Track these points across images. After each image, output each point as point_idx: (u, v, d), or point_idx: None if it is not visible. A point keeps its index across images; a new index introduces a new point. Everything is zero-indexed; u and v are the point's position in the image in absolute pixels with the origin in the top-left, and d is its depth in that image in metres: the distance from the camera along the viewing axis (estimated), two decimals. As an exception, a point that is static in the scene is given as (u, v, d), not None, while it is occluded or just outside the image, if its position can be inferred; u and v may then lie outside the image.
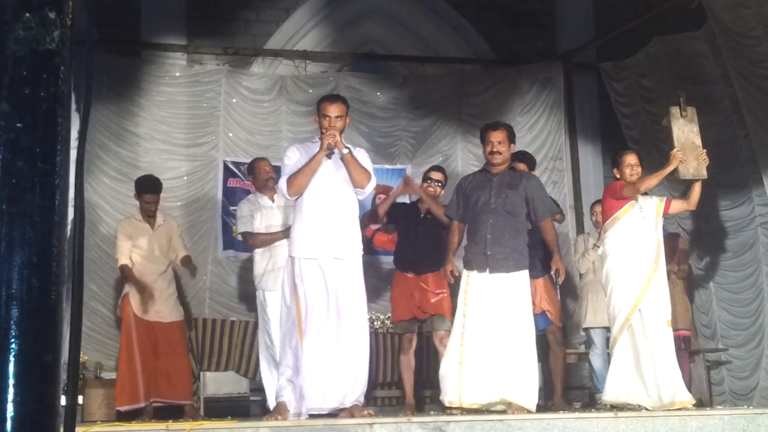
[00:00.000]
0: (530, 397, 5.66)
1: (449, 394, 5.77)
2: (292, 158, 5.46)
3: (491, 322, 5.74)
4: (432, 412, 5.77)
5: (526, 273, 5.90)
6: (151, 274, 7.08)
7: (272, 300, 6.39)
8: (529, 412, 5.47)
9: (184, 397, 7.02)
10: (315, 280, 5.25)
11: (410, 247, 6.91)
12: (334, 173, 5.38)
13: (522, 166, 6.70)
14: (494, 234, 5.87)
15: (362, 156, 5.51)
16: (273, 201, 6.78)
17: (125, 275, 7.07)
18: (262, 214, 6.74)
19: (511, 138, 6.16)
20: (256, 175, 6.94)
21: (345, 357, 5.20)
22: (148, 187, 7.25)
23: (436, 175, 7.09)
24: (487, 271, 5.83)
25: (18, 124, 1.17)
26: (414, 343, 6.85)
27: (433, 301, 6.74)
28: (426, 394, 7.79)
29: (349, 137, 9.60)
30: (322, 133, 5.40)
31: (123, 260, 7.05)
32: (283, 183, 5.36)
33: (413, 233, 6.95)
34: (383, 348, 8.48)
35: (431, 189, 6.99)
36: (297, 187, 5.31)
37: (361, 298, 5.35)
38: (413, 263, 6.85)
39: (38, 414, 1.26)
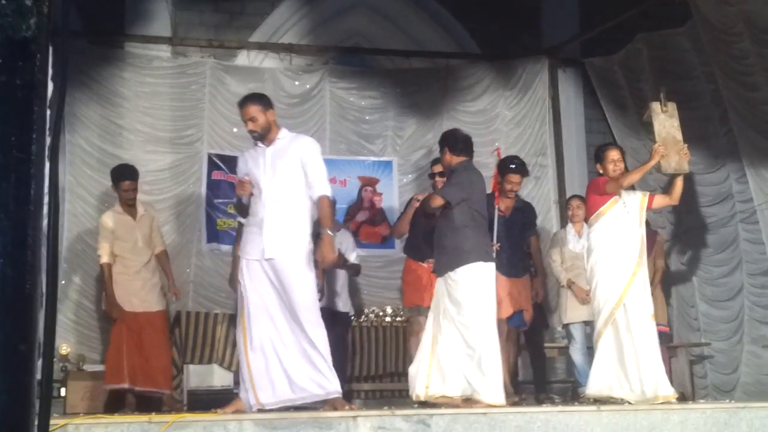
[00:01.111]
0: (493, 392, 5.70)
1: (417, 388, 5.89)
2: (238, 172, 5.55)
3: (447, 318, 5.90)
4: (416, 405, 5.76)
5: (471, 267, 5.87)
6: (135, 265, 7.08)
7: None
8: (494, 406, 5.46)
9: (164, 387, 7.03)
10: (259, 279, 5.21)
11: (427, 240, 7.00)
12: (273, 172, 5.30)
13: (516, 178, 7.12)
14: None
15: (307, 148, 5.40)
16: None
17: (105, 275, 7.08)
18: None
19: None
20: None
21: (296, 353, 5.13)
22: (126, 174, 7.20)
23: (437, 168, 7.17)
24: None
25: (-7, 112, 1.15)
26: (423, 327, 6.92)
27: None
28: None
29: (335, 129, 9.68)
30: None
31: (104, 258, 7.04)
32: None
33: (431, 228, 7.03)
34: (389, 339, 8.56)
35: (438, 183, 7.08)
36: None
37: (309, 294, 5.22)
38: (428, 256, 6.90)
39: (13, 404, 1.25)
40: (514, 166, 7.15)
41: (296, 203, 5.29)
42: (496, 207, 6.91)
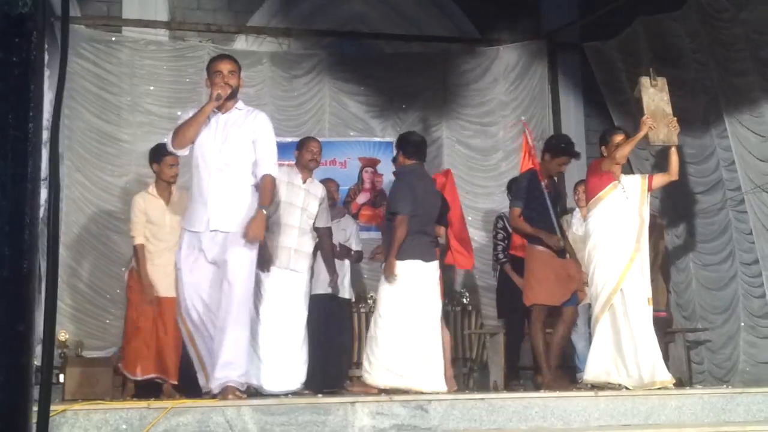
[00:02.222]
0: (432, 380, 5.89)
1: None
2: (183, 116, 5.34)
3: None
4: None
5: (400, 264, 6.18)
6: (159, 251, 6.84)
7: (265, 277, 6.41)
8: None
9: (171, 377, 6.93)
10: (195, 252, 5.14)
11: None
12: (223, 139, 5.17)
13: (566, 160, 6.91)
14: None
15: (262, 125, 5.27)
16: (303, 182, 6.68)
17: (138, 257, 6.86)
18: (288, 189, 6.56)
19: None
20: (302, 153, 6.78)
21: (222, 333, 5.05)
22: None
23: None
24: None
25: (-11, 90, 1.14)
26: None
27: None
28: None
29: (335, 112, 9.66)
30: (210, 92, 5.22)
31: (138, 240, 6.85)
32: (169, 135, 5.22)
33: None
34: None
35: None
36: (181, 139, 5.13)
37: (246, 280, 5.09)
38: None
39: (11, 383, 1.24)
40: (564, 145, 6.97)
41: (241, 177, 5.17)
42: (542, 183, 6.83)
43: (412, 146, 6.46)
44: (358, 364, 8.34)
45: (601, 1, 9.44)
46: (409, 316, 6.11)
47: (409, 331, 6.10)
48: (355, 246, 7.74)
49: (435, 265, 6.31)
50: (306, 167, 6.70)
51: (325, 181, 7.27)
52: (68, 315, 8.37)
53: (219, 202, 5.10)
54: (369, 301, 8.82)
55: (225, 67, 5.24)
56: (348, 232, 7.74)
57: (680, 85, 8.21)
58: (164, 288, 6.78)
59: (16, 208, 1.19)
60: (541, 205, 6.80)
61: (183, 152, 5.23)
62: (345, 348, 7.39)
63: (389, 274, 6.13)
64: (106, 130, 8.97)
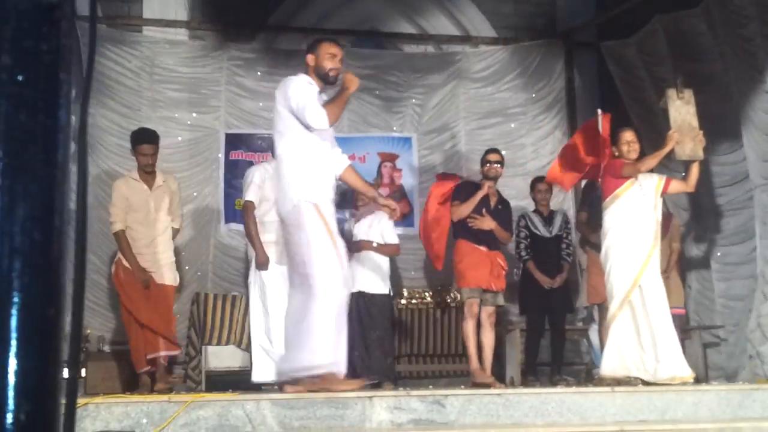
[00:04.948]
0: None
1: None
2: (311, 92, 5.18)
3: None
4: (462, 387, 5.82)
5: None
6: (144, 238, 6.61)
7: (269, 274, 6.43)
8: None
9: (168, 348, 6.68)
10: None
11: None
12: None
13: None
14: None
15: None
16: None
17: (119, 245, 6.62)
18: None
19: None
20: None
21: None
22: (146, 137, 6.71)
23: (494, 157, 7.28)
24: None
25: (20, 77, 1.16)
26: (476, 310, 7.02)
27: (504, 276, 7.12)
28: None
29: (353, 108, 9.70)
30: (325, 72, 5.28)
31: (117, 226, 6.56)
32: (317, 112, 5.07)
33: (488, 212, 7.18)
34: (448, 321, 8.69)
35: (492, 171, 7.22)
36: (335, 117, 5.20)
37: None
38: (485, 239, 7.10)
39: (41, 368, 1.27)
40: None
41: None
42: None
43: None
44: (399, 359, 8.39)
45: (617, -1, 9.42)
46: None
47: None
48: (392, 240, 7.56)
49: None
50: None
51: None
52: (90, 310, 8.42)
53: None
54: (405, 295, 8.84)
55: (340, 52, 5.37)
56: (383, 225, 7.45)
57: (707, 80, 8.17)
58: (154, 274, 6.61)
59: (46, 194, 1.21)
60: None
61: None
62: (382, 342, 7.31)
63: None
64: (125, 126, 9.05)
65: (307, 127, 5.09)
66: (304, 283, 5.06)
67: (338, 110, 5.20)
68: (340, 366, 5.04)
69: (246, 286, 7.07)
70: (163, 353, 6.61)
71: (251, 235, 6.53)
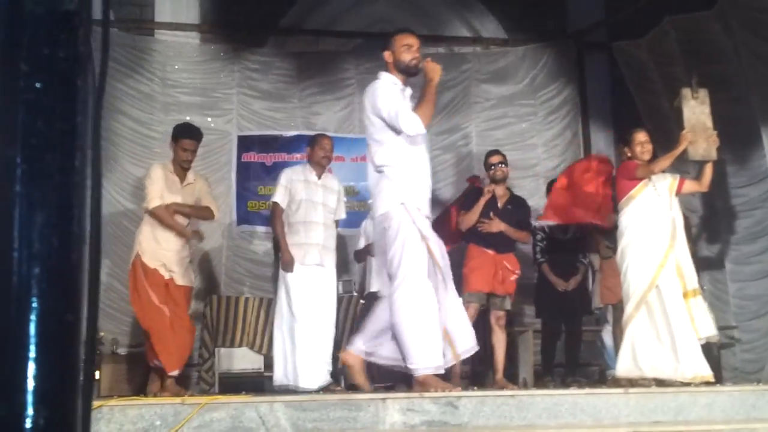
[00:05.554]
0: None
1: None
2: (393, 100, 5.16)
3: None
4: (474, 388, 5.78)
5: None
6: (164, 231, 6.47)
7: (295, 275, 6.46)
8: None
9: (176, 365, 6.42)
10: None
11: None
12: None
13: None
14: None
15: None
16: (318, 178, 6.77)
17: (160, 218, 6.39)
18: (305, 187, 6.67)
19: None
20: (315, 150, 6.80)
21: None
22: (189, 132, 6.63)
23: (496, 158, 7.29)
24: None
25: (37, 84, 1.17)
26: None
27: (511, 279, 7.09)
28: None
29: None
30: (405, 64, 5.24)
31: (155, 202, 6.33)
32: (410, 119, 5.05)
33: (495, 215, 7.17)
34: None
35: (498, 173, 7.22)
36: (428, 119, 5.16)
37: None
38: (494, 242, 7.10)
39: (60, 372, 1.27)
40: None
41: None
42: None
43: None
44: None
45: (628, 0, 9.39)
46: None
47: None
48: None
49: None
50: (319, 164, 6.79)
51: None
52: (103, 312, 8.44)
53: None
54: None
55: (416, 41, 5.32)
56: None
57: (722, 81, 8.14)
58: (170, 273, 6.43)
59: (64, 200, 1.22)
60: None
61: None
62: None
63: None
64: (138, 130, 9.08)
65: (402, 133, 5.08)
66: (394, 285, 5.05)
67: (429, 108, 5.15)
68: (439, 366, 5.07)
69: (274, 288, 7.13)
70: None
71: (278, 236, 6.62)
